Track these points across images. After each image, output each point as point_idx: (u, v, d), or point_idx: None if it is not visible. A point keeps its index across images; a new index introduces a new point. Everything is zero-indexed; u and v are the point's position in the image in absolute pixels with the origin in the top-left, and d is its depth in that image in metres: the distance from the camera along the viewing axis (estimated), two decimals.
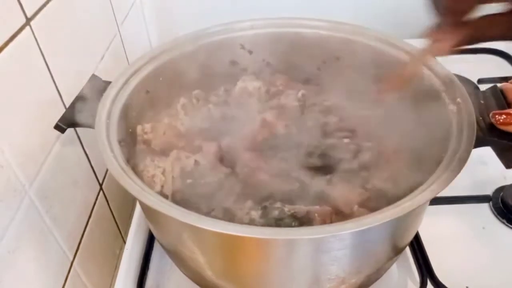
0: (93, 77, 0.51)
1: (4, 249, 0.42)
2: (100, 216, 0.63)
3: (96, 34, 0.65)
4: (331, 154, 0.51)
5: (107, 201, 0.66)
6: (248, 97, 0.59)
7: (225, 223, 0.37)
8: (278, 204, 0.44)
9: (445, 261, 0.54)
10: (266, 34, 0.61)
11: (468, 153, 0.41)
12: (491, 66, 0.87)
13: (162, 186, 0.47)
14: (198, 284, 0.51)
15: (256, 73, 0.62)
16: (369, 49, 0.57)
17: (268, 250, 0.40)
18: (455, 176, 0.38)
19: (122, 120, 0.48)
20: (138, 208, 0.62)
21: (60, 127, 0.47)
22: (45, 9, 0.49)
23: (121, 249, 0.65)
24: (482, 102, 0.46)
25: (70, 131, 0.52)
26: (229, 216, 0.45)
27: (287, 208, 0.44)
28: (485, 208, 0.61)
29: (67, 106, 0.53)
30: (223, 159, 0.51)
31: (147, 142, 0.51)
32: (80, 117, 0.48)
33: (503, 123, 0.42)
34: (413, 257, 0.55)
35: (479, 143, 0.42)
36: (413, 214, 0.45)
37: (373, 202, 0.45)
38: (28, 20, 0.46)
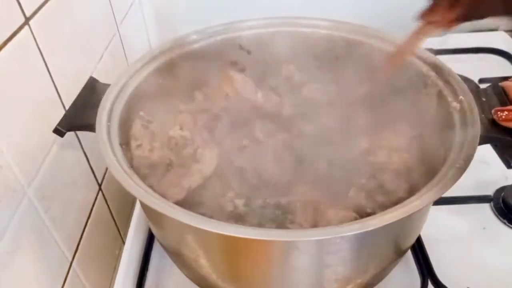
0: (91, 79, 0.51)
1: (3, 250, 0.42)
2: (99, 217, 0.62)
3: (95, 34, 0.65)
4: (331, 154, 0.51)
5: (106, 201, 0.65)
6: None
7: (231, 226, 0.37)
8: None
9: (445, 261, 0.54)
10: (266, 34, 0.61)
11: (473, 150, 0.40)
12: (492, 66, 0.87)
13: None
14: (200, 286, 0.51)
15: (256, 73, 0.62)
16: (369, 48, 0.57)
17: (275, 252, 0.40)
18: (462, 173, 0.38)
19: (123, 122, 0.48)
20: (137, 208, 0.62)
21: (59, 131, 0.46)
22: (44, 8, 0.49)
23: (120, 249, 0.64)
24: (484, 100, 0.46)
25: None
26: (213, 203, 0.45)
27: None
28: (486, 208, 0.61)
29: (66, 106, 0.53)
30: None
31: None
32: (79, 121, 0.47)
33: (505, 120, 0.42)
34: (414, 257, 0.54)
35: (481, 140, 0.42)
36: (421, 213, 0.45)
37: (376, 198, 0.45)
38: (27, 20, 0.45)
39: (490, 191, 0.63)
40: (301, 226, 0.43)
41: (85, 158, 0.59)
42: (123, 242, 0.68)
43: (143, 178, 0.45)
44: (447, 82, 0.49)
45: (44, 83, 0.50)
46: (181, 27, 0.66)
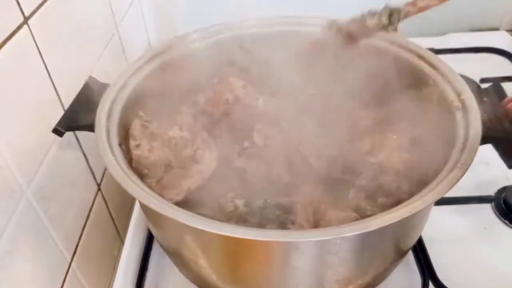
0: (91, 79, 0.51)
1: (2, 250, 0.41)
2: (98, 217, 0.62)
3: (95, 33, 0.65)
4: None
5: (105, 201, 0.65)
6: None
7: (231, 226, 0.37)
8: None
9: (446, 262, 0.54)
10: (265, 34, 0.61)
11: (475, 150, 0.40)
12: (493, 66, 0.87)
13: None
14: (200, 287, 0.50)
15: (256, 73, 0.61)
16: (370, 48, 0.56)
17: (276, 253, 0.40)
18: (464, 173, 0.38)
19: (122, 122, 0.48)
20: (136, 208, 0.62)
21: (58, 131, 0.46)
22: (43, 7, 0.48)
23: (120, 250, 0.64)
24: (485, 99, 0.46)
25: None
26: (213, 204, 0.45)
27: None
28: (487, 209, 0.61)
29: (65, 106, 0.53)
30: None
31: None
32: (78, 121, 0.47)
33: None
34: (415, 258, 0.54)
35: (482, 140, 0.42)
36: (422, 213, 0.45)
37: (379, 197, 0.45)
38: (26, 19, 0.45)
39: (491, 192, 0.62)
40: (302, 227, 0.43)
41: (84, 158, 0.59)
42: (122, 243, 0.67)
43: (142, 178, 0.45)
44: (448, 81, 0.49)
45: (43, 83, 0.49)
46: (181, 26, 0.65)
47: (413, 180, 0.45)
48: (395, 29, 0.45)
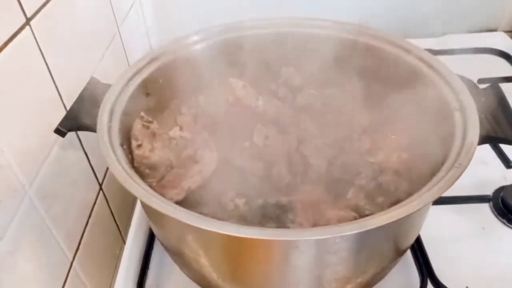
0: (92, 79, 0.51)
1: (4, 249, 0.42)
2: (100, 216, 0.62)
3: (96, 34, 0.65)
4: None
5: (107, 201, 0.66)
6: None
7: (231, 225, 0.37)
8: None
9: (445, 261, 0.54)
10: (266, 34, 0.61)
11: (473, 150, 0.41)
12: (491, 66, 0.87)
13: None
14: (201, 286, 0.51)
15: (256, 73, 0.62)
16: (370, 49, 0.57)
17: (276, 251, 0.40)
18: (461, 173, 0.39)
19: (124, 122, 0.48)
20: (138, 208, 0.62)
21: (60, 131, 0.46)
22: (44, 9, 0.49)
23: (121, 249, 0.64)
24: (483, 100, 0.46)
25: None
26: (214, 203, 0.46)
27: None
28: (485, 208, 0.61)
29: (67, 106, 0.53)
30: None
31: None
32: (80, 121, 0.47)
33: None
34: (413, 257, 0.55)
35: (480, 140, 0.42)
36: (420, 213, 0.45)
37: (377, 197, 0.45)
38: (28, 20, 0.46)
39: (489, 191, 0.63)
40: (301, 226, 0.43)
41: (86, 158, 0.59)
42: (124, 242, 0.68)
43: (144, 178, 0.45)
44: (446, 82, 0.49)
45: (45, 83, 0.50)
46: (182, 27, 0.65)
47: (411, 179, 0.46)
48: None
